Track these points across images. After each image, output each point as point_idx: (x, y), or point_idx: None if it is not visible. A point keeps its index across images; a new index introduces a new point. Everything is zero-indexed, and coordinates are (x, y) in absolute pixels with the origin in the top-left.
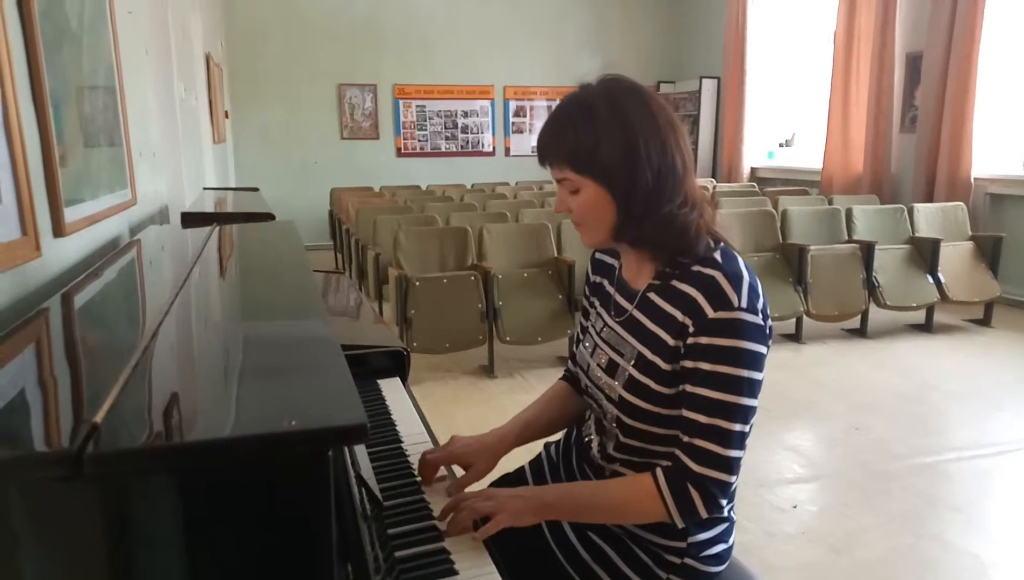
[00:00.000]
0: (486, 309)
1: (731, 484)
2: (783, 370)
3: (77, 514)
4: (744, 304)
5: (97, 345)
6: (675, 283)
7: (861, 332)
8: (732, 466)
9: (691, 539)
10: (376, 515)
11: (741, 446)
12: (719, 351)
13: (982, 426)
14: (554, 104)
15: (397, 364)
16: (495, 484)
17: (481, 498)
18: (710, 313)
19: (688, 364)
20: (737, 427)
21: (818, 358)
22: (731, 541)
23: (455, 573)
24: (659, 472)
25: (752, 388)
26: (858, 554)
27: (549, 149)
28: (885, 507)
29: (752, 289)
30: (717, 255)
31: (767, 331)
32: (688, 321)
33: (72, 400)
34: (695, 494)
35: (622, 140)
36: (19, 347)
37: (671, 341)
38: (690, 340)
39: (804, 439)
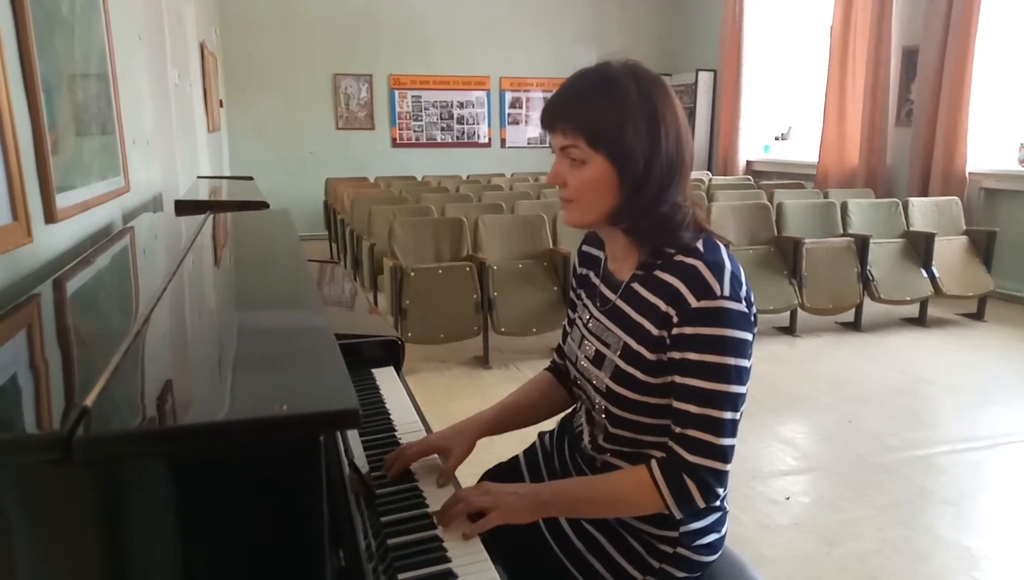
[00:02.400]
0: (481, 300)
1: (726, 472)
2: (777, 363)
3: (68, 498)
4: (727, 292)
5: (89, 331)
6: (658, 273)
7: (855, 325)
8: (726, 454)
9: (684, 528)
10: (369, 503)
11: (733, 434)
12: (704, 340)
13: (974, 419)
14: (550, 95)
15: (391, 353)
16: (488, 473)
17: (478, 492)
18: (693, 302)
19: (675, 355)
20: (728, 415)
21: (812, 351)
22: (724, 531)
23: (448, 561)
24: (654, 464)
25: (740, 375)
26: (850, 546)
27: (564, 116)
28: (878, 499)
29: (734, 277)
30: (699, 245)
31: (751, 318)
32: (672, 311)
33: (63, 385)
34: (691, 484)
35: (648, 126)
36: (10, 333)
37: (655, 331)
38: (675, 330)
39: (797, 431)
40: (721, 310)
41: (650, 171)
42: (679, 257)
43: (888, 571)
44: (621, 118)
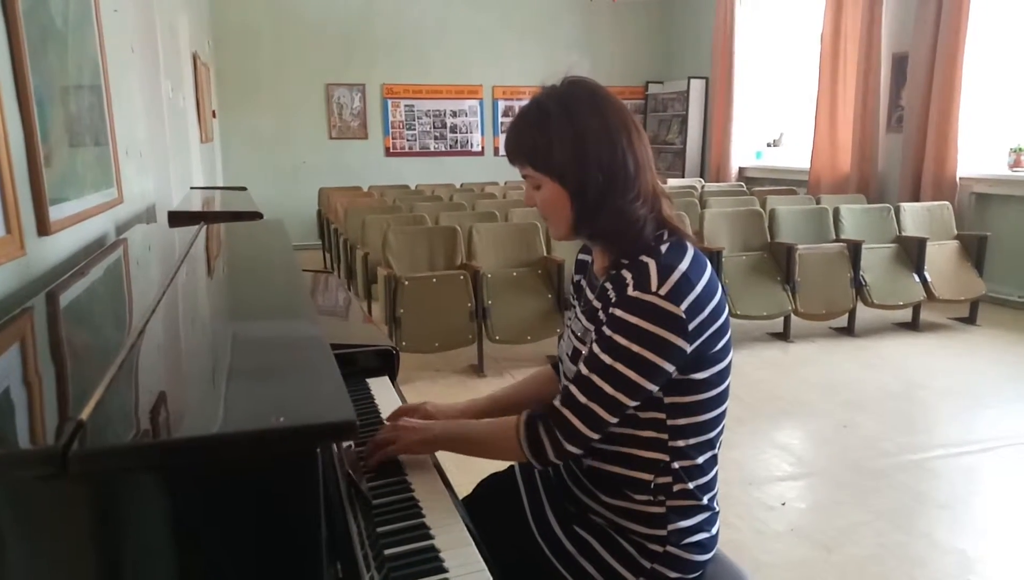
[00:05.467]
0: (475, 308)
1: (582, 435)
2: (771, 369)
3: (63, 512)
4: (663, 291)
5: (82, 344)
6: (624, 272)
7: (849, 330)
8: (590, 418)
9: (671, 527)
10: (365, 513)
11: (608, 408)
12: (622, 323)
13: (968, 423)
14: None
15: (386, 363)
16: (484, 482)
17: (387, 429)
18: (630, 291)
19: (602, 328)
20: (610, 391)
21: (806, 357)
22: (714, 531)
23: (444, 571)
24: (524, 412)
25: (644, 367)
26: (847, 551)
27: (512, 148)
28: (873, 504)
29: (684, 280)
30: (663, 247)
31: (689, 326)
32: (613, 295)
33: (57, 399)
34: (543, 431)
35: (572, 141)
36: (3, 346)
37: (603, 316)
38: (609, 309)
39: (792, 437)
40: (648, 305)
41: (586, 181)
42: (642, 256)
43: (886, 577)
44: (548, 139)
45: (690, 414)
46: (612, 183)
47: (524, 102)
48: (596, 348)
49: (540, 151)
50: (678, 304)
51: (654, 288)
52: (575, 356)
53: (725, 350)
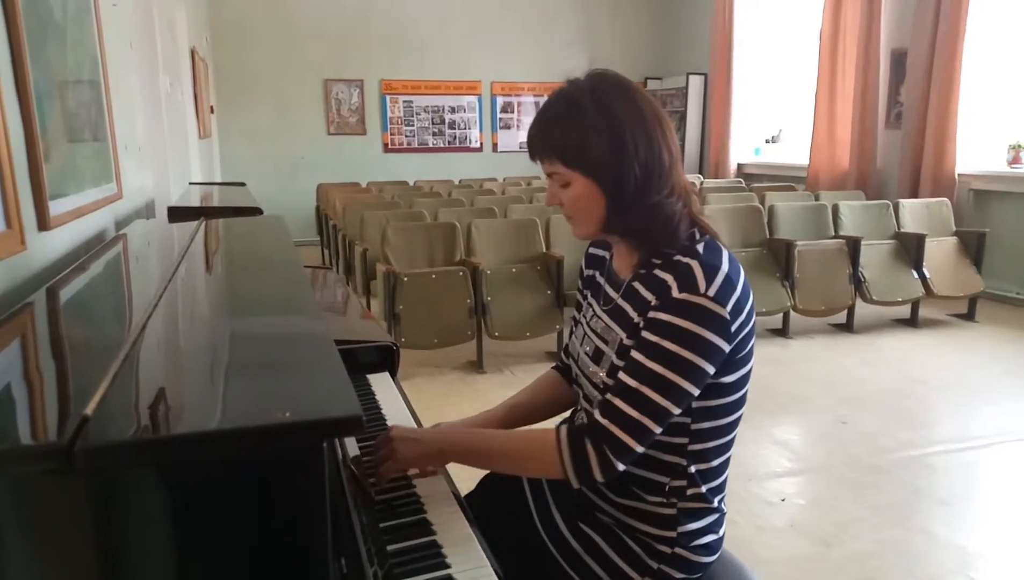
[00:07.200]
0: (474, 305)
1: (631, 450)
2: (770, 365)
3: (67, 508)
4: (711, 293)
5: (83, 340)
6: (657, 272)
7: (847, 327)
8: (639, 431)
9: (681, 529)
10: (368, 509)
11: (657, 419)
12: (671, 328)
13: (967, 419)
14: (542, 100)
15: (386, 359)
16: (487, 477)
17: (379, 447)
18: (675, 293)
19: (642, 333)
20: (660, 400)
21: (805, 353)
22: (721, 532)
23: (447, 567)
24: (563, 427)
25: (692, 373)
26: (846, 547)
27: (538, 145)
28: (873, 500)
29: (728, 281)
30: (700, 247)
31: (732, 328)
32: (653, 298)
33: (59, 394)
34: (591, 450)
35: (609, 135)
36: (4, 341)
37: (636, 318)
38: (650, 314)
39: (792, 433)
40: (699, 307)
41: (624, 177)
42: (678, 257)
43: (886, 572)
44: (582, 134)
45: (714, 418)
46: (649, 178)
47: (523, 97)
48: (640, 356)
49: (572, 146)
50: (724, 305)
51: (702, 289)
52: (597, 356)
53: (751, 352)
